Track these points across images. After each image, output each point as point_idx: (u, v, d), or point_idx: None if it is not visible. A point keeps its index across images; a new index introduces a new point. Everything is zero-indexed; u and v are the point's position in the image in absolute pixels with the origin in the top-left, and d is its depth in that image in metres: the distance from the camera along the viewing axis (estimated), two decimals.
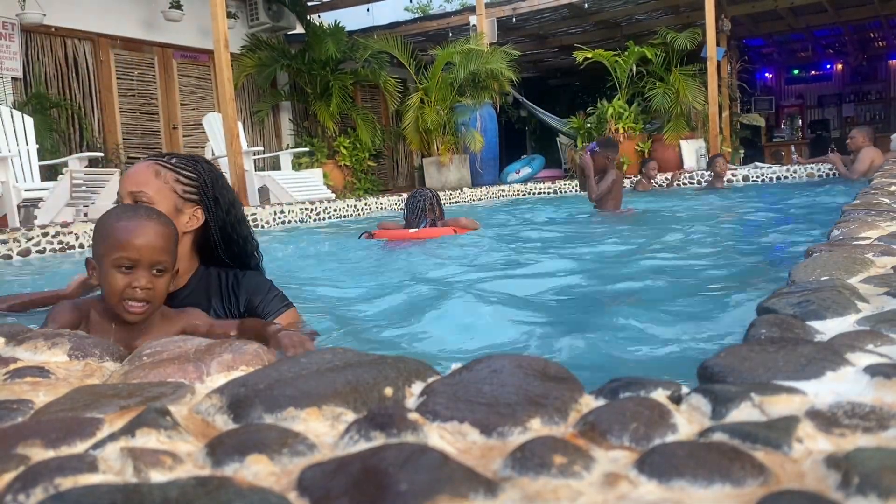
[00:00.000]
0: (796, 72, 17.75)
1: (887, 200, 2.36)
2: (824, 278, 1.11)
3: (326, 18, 12.21)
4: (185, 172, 1.78)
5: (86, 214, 5.58)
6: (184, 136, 10.01)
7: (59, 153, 7.79)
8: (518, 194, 10.11)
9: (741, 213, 6.29)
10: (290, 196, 7.58)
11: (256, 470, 0.52)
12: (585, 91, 14.74)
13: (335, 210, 7.44)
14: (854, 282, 1.06)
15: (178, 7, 9.26)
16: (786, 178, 9.19)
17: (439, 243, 4.45)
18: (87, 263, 1.54)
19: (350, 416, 0.62)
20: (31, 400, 0.71)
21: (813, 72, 17.62)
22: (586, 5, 11.21)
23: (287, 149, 10.50)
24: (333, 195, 8.30)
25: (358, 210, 7.73)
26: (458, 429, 0.57)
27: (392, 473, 0.47)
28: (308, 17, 11.47)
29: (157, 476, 0.52)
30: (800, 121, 16.99)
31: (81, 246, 4.85)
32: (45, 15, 7.99)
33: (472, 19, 11.11)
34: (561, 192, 10.08)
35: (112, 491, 0.47)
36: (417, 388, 0.68)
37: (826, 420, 0.55)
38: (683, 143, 10.55)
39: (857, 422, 0.55)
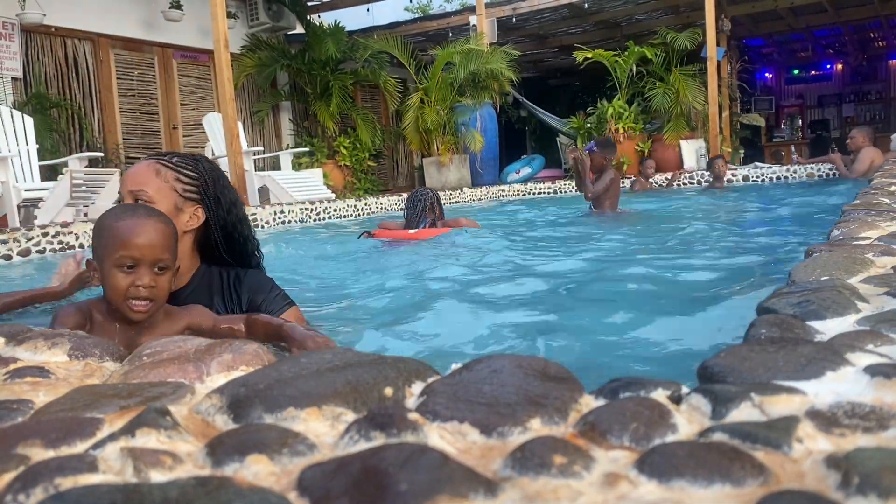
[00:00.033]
0: (796, 72, 17.75)
1: (887, 200, 2.35)
2: (824, 278, 1.11)
3: (326, 18, 12.22)
4: (185, 171, 1.78)
5: (86, 214, 5.58)
6: (184, 136, 10.01)
7: (59, 153, 7.79)
8: (518, 194, 10.10)
9: (741, 213, 6.29)
10: (290, 196, 7.59)
11: (256, 470, 0.52)
12: (585, 91, 14.74)
13: (335, 210, 7.44)
14: (854, 282, 1.06)
15: (178, 7, 9.26)
16: (786, 178, 9.19)
17: (439, 243, 4.45)
18: (87, 265, 1.54)
19: (350, 416, 0.62)
20: (31, 400, 0.71)
21: (813, 72, 17.62)
22: (586, 5, 11.21)
23: (287, 149, 10.50)
24: (333, 195, 8.30)
25: (358, 210, 7.73)
26: (458, 429, 0.57)
27: (392, 473, 0.47)
28: (308, 17, 11.47)
29: (157, 476, 0.52)
30: (800, 121, 16.99)
31: (81, 246, 4.85)
32: (45, 15, 7.99)
33: (472, 19, 11.11)
34: (561, 192, 10.08)
35: (112, 491, 0.47)
36: (417, 388, 0.68)
37: (826, 420, 0.55)
38: (683, 143, 10.55)
39: (857, 422, 0.55)
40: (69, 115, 8.58)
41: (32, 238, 4.69)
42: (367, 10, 13.57)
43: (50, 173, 7.01)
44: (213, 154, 8.29)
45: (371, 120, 11.59)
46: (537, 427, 0.58)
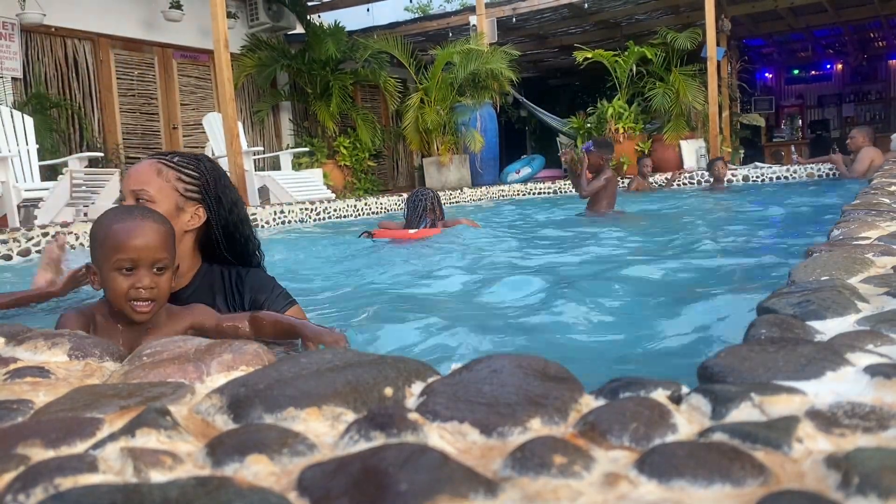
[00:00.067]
0: (796, 72, 17.75)
1: (887, 200, 2.35)
2: (824, 278, 1.11)
3: (326, 18, 12.21)
4: (187, 171, 1.78)
5: (86, 214, 5.58)
6: (184, 136, 10.01)
7: (59, 153, 7.79)
8: (518, 194, 10.11)
9: (741, 214, 6.29)
10: (290, 196, 7.59)
11: (256, 470, 0.52)
12: (585, 91, 14.74)
13: (335, 210, 7.44)
14: (854, 282, 1.06)
15: (178, 7, 9.26)
16: (786, 178, 9.19)
17: (439, 243, 4.45)
18: (87, 269, 1.54)
19: (350, 416, 0.62)
20: (31, 400, 0.71)
21: (813, 72, 17.62)
22: (586, 5, 11.21)
23: (287, 149, 10.50)
24: (333, 195, 8.31)
25: (358, 210, 7.73)
26: (458, 429, 0.57)
27: (392, 473, 0.47)
28: (308, 17, 11.47)
29: (157, 476, 0.52)
30: (800, 121, 16.99)
31: (82, 245, 4.85)
32: (45, 15, 7.99)
33: (472, 19, 11.11)
34: (561, 192, 10.08)
35: (112, 491, 0.47)
36: (417, 388, 0.68)
37: (826, 420, 0.55)
38: (683, 143, 10.56)
39: (857, 422, 0.55)
40: (69, 115, 8.58)
41: (32, 238, 4.70)
42: (367, 10, 13.57)
43: (50, 173, 7.01)
44: (213, 154, 8.29)
45: (371, 120, 11.59)
46: (537, 427, 0.58)
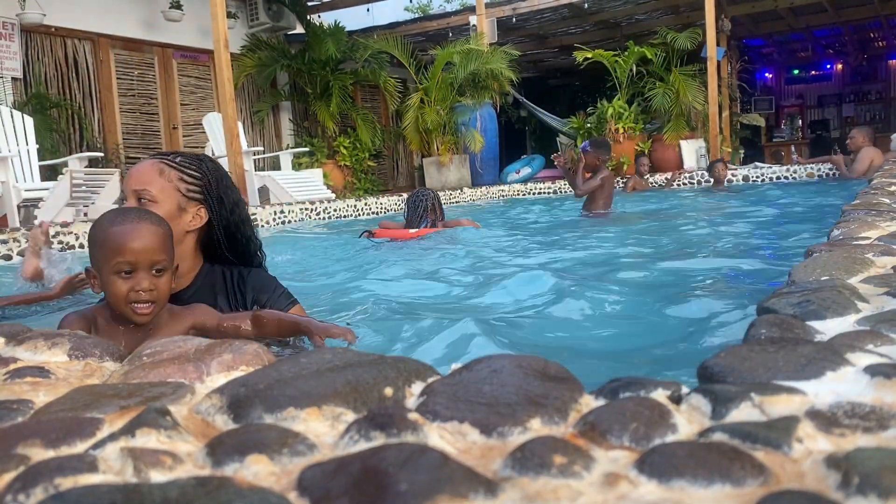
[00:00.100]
0: (796, 72, 17.75)
1: (887, 200, 2.36)
2: (824, 278, 1.11)
3: (326, 18, 12.21)
4: (189, 171, 1.78)
5: (86, 214, 5.58)
6: (184, 136, 10.01)
7: (59, 153, 7.79)
8: (518, 194, 10.11)
9: (741, 213, 6.29)
10: (290, 196, 7.59)
11: (256, 470, 0.52)
12: (585, 91, 14.74)
13: (335, 210, 7.44)
14: (854, 282, 1.06)
15: (178, 7, 9.26)
16: (786, 178, 9.19)
17: (439, 243, 4.45)
18: (87, 273, 1.54)
19: (350, 416, 0.62)
20: (31, 400, 0.71)
21: (813, 72, 17.62)
22: (586, 5, 11.21)
23: (287, 149, 10.50)
24: (333, 195, 8.31)
25: (358, 210, 7.73)
26: (458, 429, 0.57)
27: (392, 473, 0.47)
28: (308, 17, 11.47)
29: (157, 476, 0.52)
30: (800, 121, 17.00)
31: (81, 246, 4.85)
32: (45, 15, 7.99)
33: (472, 19, 11.11)
34: (561, 192, 10.08)
35: (112, 491, 0.47)
36: (417, 388, 0.68)
37: (826, 420, 0.55)
38: (683, 143, 10.56)
39: (857, 422, 0.55)
40: (69, 115, 8.58)
41: None
42: (367, 10, 13.57)
43: (50, 173, 7.01)
44: (213, 154, 8.29)
45: (371, 120, 11.59)
46: (537, 427, 0.58)
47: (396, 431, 0.55)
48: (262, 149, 9.94)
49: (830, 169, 8.80)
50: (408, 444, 0.53)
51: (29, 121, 6.86)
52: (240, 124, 7.93)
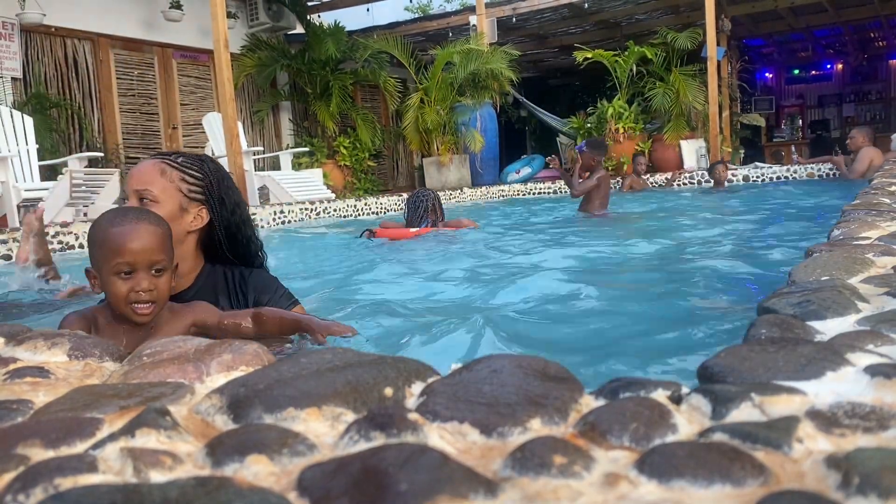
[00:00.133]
0: (796, 72, 17.75)
1: (887, 200, 2.35)
2: (824, 278, 1.11)
3: (326, 18, 12.21)
4: (190, 171, 1.78)
5: (86, 214, 5.58)
6: (184, 136, 10.01)
7: (59, 153, 7.79)
8: (518, 194, 10.11)
9: (741, 213, 6.29)
10: (290, 196, 7.59)
11: (256, 470, 0.52)
12: (585, 91, 14.74)
13: (335, 210, 7.44)
14: (854, 282, 1.06)
15: (178, 7, 9.26)
16: (786, 178, 9.19)
17: (439, 243, 4.46)
18: (87, 274, 1.54)
19: (350, 417, 0.62)
20: (31, 400, 0.71)
21: (813, 72, 17.62)
22: (586, 5, 11.21)
23: (287, 149, 10.50)
24: (333, 195, 8.31)
25: (358, 210, 7.73)
26: (458, 429, 0.57)
27: (392, 473, 0.47)
28: (308, 17, 11.47)
29: (156, 476, 0.52)
30: (800, 121, 17.00)
31: (81, 246, 4.85)
32: (45, 15, 7.99)
33: (472, 19, 11.11)
34: (561, 191, 10.08)
35: (112, 491, 0.47)
36: (417, 388, 0.68)
37: (826, 420, 0.55)
38: (683, 143, 10.56)
39: (857, 422, 0.55)
40: (69, 115, 8.58)
41: None
42: (367, 10, 13.57)
43: (50, 173, 7.01)
44: (213, 154, 8.29)
45: (371, 120, 11.59)
46: (537, 427, 0.58)
47: (396, 431, 0.55)
48: (261, 149, 9.93)
49: (830, 169, 8.80)
50: (408, 444, 0.53)
51: (29, 121, 6.86)
52: (240, 124, 7.93)
